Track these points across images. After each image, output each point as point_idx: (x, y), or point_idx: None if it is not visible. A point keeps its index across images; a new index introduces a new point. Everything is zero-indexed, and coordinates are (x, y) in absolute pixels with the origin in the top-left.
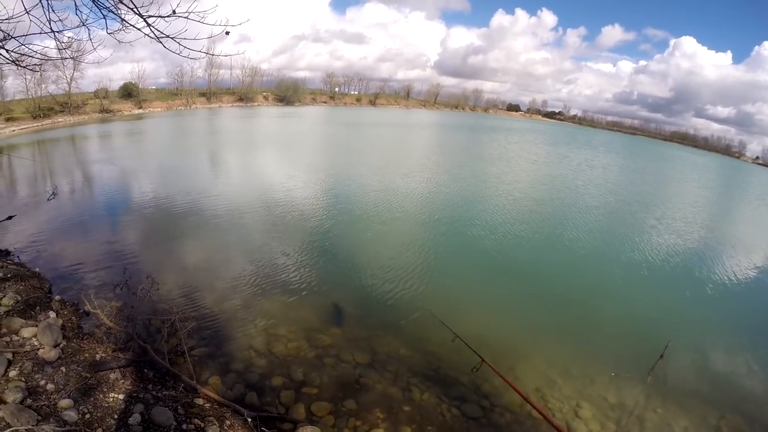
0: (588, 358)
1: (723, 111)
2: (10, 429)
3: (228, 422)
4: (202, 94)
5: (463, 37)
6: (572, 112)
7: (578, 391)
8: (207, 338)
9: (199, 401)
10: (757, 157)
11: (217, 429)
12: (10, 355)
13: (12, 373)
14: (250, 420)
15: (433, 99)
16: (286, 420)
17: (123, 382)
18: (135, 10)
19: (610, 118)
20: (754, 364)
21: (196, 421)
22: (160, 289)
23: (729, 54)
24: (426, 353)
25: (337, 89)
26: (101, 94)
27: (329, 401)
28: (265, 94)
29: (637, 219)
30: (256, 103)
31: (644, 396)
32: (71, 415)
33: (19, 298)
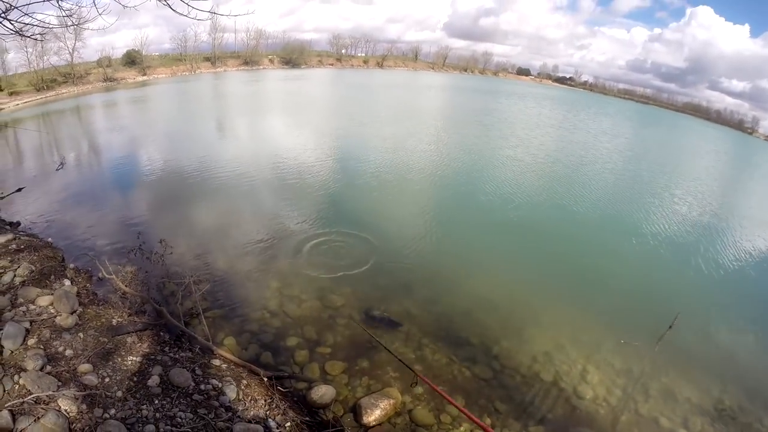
0: (597, 324)
1: (738, 85)
2: (32, 396)
3: (245, 382)
4: (207, 59)
5: None
6: (583, 78)
7: (586, 357)
8: (221, 300)
9: (216, 362)
10: None
11: (234, 389)
12: (27, 324)
13: (30, 341)
14: (266, 379)
15: (441, 61)
16: (300, 379)
17: (140, 346)
18: None
19: (621, 86)
20: (760, 340)
21: (214, 381)
22: (174, 253)
23: (747, 27)
24: (437, 314)
25: (343, 51)
26: (104, 62)
27: (343, 360)
28: (270, 57)
29: (657, 189)
30: (261, 67)
31: (651, 365)
32: (91, 379)
33: (34, 268)
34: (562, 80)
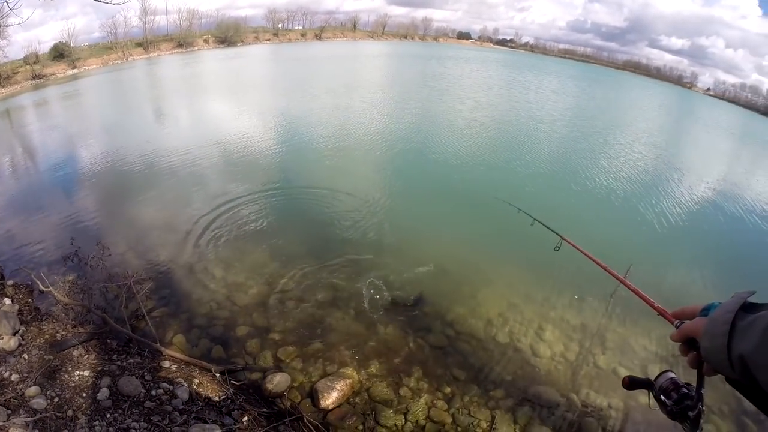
0: (550, 283)
1: (677, 42)
2: None
3: (197, 380)
4: (139, 45)
5: None
6: (524, 40)
7: (540, 315)
8: (166, 297)
9: (166, 363)
10: (708, 89)
11: (186, 389)
12: None
13: None
14: (218, 375)
15: (381, 30)
16: (254, 370)
17: (87, 358)
18: None
19: (562, 46)
20: (711, 283)
21: (165, 384)
22: (113, 254)
23: None
24: (386, 286)
25: (280, 26)
26: (31, 59)
27: (295, 345)
28: (205, 37)
29: (607, 145)
30: (196, 48)
31: (606, 317)
32: (40, 402)
33: None
34: (502, 42)
